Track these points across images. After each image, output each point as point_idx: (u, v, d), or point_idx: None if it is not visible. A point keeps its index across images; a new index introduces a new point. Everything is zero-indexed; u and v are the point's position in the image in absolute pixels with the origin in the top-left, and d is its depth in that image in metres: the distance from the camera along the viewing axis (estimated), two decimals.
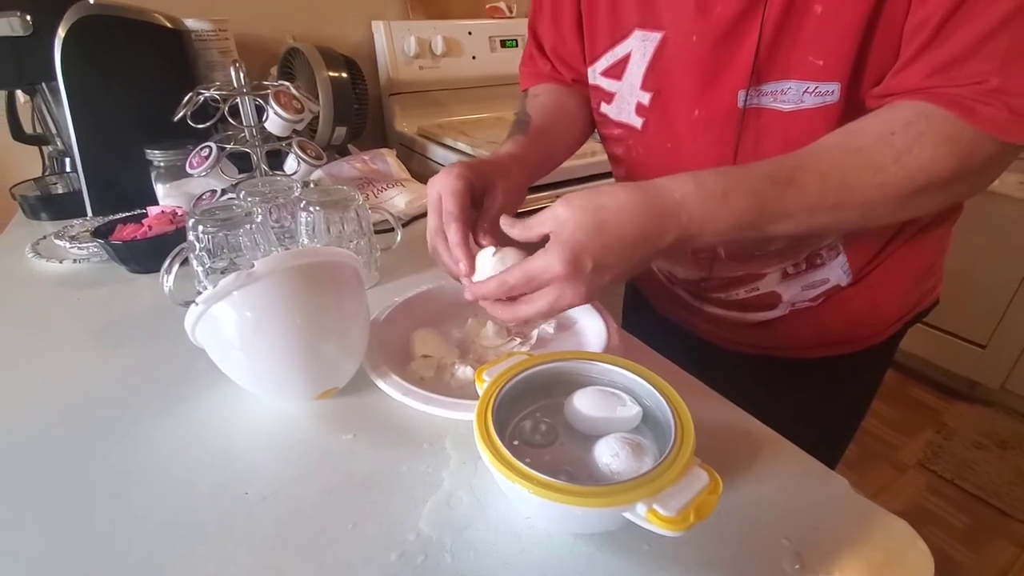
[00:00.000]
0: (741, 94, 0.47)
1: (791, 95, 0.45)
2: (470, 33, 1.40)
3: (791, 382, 0.67)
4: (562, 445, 0.35)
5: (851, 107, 0.44)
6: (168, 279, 0.52)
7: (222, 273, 0.54)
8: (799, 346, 0.64)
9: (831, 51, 0.42)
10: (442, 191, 0.46)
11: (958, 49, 0.37)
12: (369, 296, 0.48)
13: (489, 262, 0.43)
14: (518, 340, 0.52)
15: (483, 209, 0.50)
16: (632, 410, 0.35)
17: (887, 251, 0.57)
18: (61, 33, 0.76)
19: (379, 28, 1.33)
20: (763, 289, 0.59)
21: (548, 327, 0.53)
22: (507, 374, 0.37)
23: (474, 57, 1.41)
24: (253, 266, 0.39)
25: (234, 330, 0.40)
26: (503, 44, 1.45)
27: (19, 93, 0.99)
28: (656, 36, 0.51)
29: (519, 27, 1.47)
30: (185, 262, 0.54)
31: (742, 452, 0.40)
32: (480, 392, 0.36)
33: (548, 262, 0.38)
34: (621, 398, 0.35)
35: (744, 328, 0.64)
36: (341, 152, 1.15)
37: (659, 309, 0.75)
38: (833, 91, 0.43)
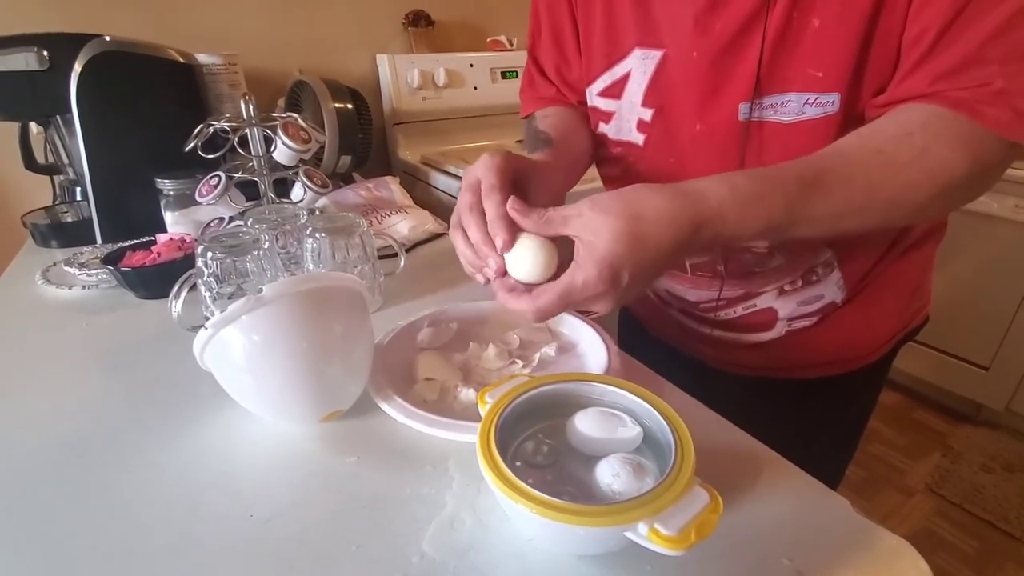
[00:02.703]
0: (743, 107, 0.48)
1: (792, 107, 0.46)
2: (472, 65, 1.45)
3: (790, 402, 0.67)
4: (564, 466, 0.36)
5: (850, 117, 0.45)
6: (176, 304, 0.53)
7: (229, 298, 0.56)
8: (797, 367, 0.64)
9: (830, 63, 0.44)
10: (483, 170, 0.43)
11: (959, 57, 0.39)
12: (373, 320, 0.49)
13: (526, 252, 0.40)
14: (520, 363, 0.52)
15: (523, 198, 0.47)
16: (633, 431, 0.35)
17: (879, 268, 0.58)
18: (77, 68, 0.78)
19: (383, 61, 1.37)
20: (760, 306, 0.60)
21: (550, 350, 0.54)
22: (509, 396, 0.37)
23: (476, 88, 1.46)
24: (261, 291, 0.40)
25: (242, 353, 0.41)
26: (504, 75, 1.50)
27: (32, 124, 1.02)
28: (657, 54, 0.52)
29: (519, 59, 1.52)
30: (193, 288, 0.55)
31: (743, 472, 0.40)
32: (483, 414, 0.36)
33: (587, 280, 0.36)
34: (622, 419, 0.36)
35: (742, 349, 0.65)
36: (346, 180, 1.18)
37: (655, 331, 0.75)
38: (833, 101, 0.45)
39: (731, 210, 0.37)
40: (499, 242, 0.41)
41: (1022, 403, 1.62)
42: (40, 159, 1.04)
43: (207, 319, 0.55)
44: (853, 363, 0.64)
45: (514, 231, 0.41)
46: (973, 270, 1.57)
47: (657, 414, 0.35)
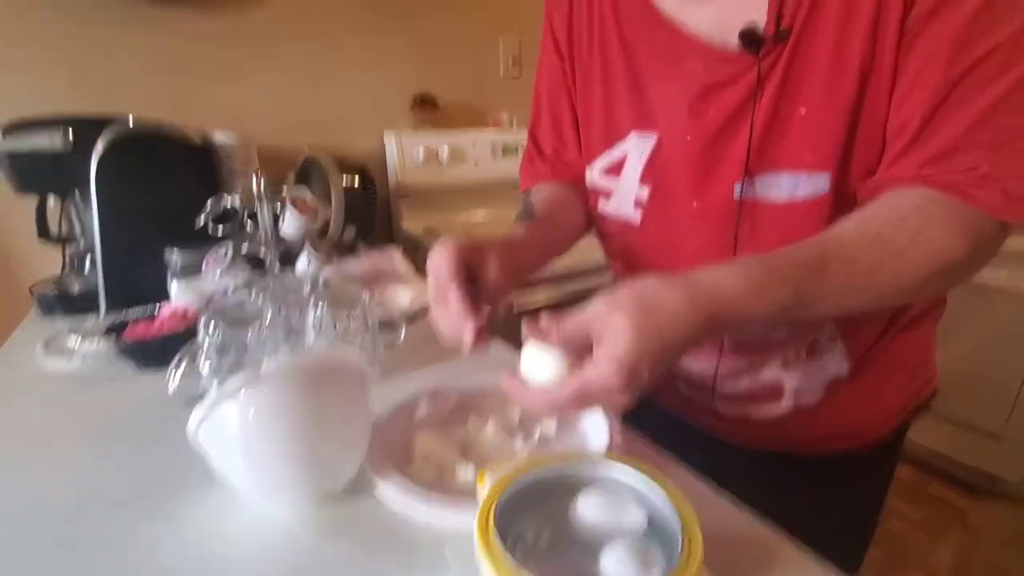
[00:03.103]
0: (736, 186, 0.50)
1: (784, 186, 0.48)
2: (473, 142, 1.52)
3: (802, 477, 0.65)
4: (567, 553, 0.34)
5: (841, 196, 0.47)
6: (175, 377, 0.53)
7: (229, 372, 0.55)
8: (806, 442, 0.63)
9: (818, 146, 0.46)
10: (435, 264, 0.46)
11: (945, 144, 0.40)
12: (372, 392, 0.49)
13: (541, 361, 0.39)
14: (520, 439, 0.51)
15: (479, 284, 0.48)
16: (638, 516, 0.34)
17: (883, 341, 0.58)
18: (99, 148, 0.83)
19: (390, 138, 1.45)
20: (764, 379, 0.60)
21: (551, 425, 0.53)
22: (509, 477, 0.36)
23: (476, 163, 1.52)
24: (260, 366, 0.40)
25: (237, 431, 0.40)
26: (503, 151, 1.57)
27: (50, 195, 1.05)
28: (652, 137, 0.55)
29: (518, 136, 1.60)
30: (193, 360, 0.55)
31: (754, 560, 0.39)
32: (481, 497, 0.35)
33: (605, 379, 0.35)
34: (627, 502, 0.35)
35: (749, 424, 0.64)
36: (351, 250, 1.20)
37: (662, 404, 0.74)
38: (824, 182, 0.47)
39: (744, 299, 0.37)
40: (466, 337, 0.43)
41: None
42: (54, 228, 1.07)
43: (204, 392, 0.55)
44: (863, 438, 0.63)
45: (479, 319, 0.44)
46: (976, 340, 1.57)
47: (664, 496, 0.34)
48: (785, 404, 0.61)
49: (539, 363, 0.38)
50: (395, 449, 0.49)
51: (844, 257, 0.40)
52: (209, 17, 1.27)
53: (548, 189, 0.67)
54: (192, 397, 0.55)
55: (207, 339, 0.54)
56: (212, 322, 0.54)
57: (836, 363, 0.58)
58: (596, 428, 0.51)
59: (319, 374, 0.42)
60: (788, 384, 0.59)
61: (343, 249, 1.16)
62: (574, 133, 0.65)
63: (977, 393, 1.60)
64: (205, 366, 0.55)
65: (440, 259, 0.45)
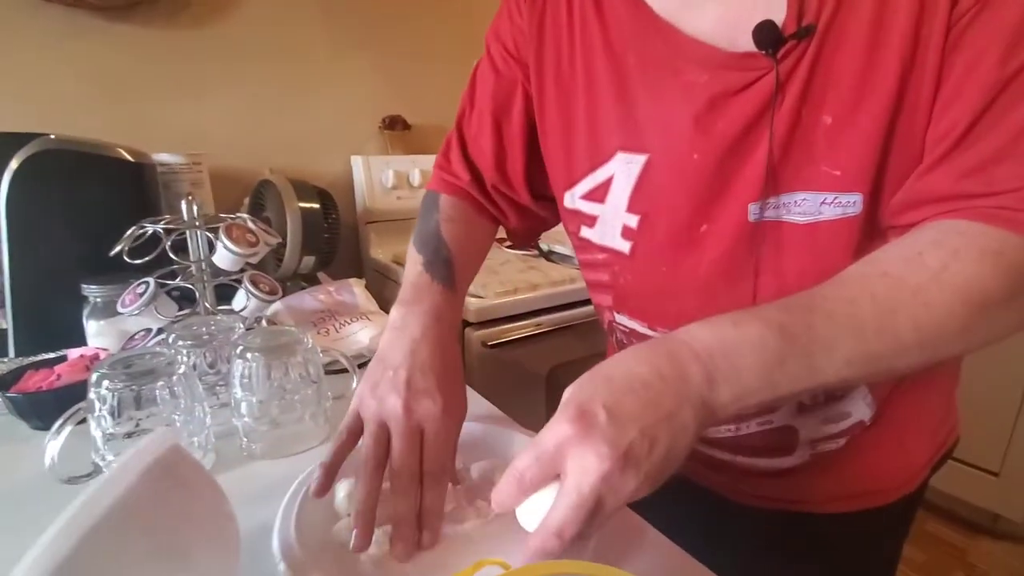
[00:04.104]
0: (752, 208, 0.43)
1: (807, 206, 0.42)
2: None
3: (816, 542, 0.57)
4: None
5: (875, 219, 0.41)
6: (54, 446, 0.42)
7: (127, 438, 0.45)
8: (823, 499, 0.55)
9: (847, 161, 0.39)
10: (432, 432, 0.42)
11: (989, 151, 0.34)
12: (311, 457, 0.43)
13: (535, 508, 0.32)
14: (471, 512, 0.42)
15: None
16: None
17: (908, 382, 0.51)
18: (12, 166, 0.72)
19: (357, 162, 1.37)
20: (777, 422, 0.52)
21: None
22: None
23: None
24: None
25: None
26: None
27: None
28: (641, 159, 0.48)
29: None
30: (84, 422, 0.45)
31: None
32: None
33: (553, 426, 0.31)
34: None
35: (761, 478, 0.55)
36: (310, 280, 1.10)
37: None
38: (855, 202, 0.40)
39: (703, 332, 0.34)
40: (426, 539, 0.39)
41: None
42: None
43: (95, 466, 0.44)
44: (889, 494, 0.55)
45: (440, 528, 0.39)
46: (973, 374, 1.51)
47: None
48: (800, 454, 0.53)
49: (534, 511, 0.32)
50: (316, 522, 0.40)
51: (841, 297, 0.35)
52: (163, 32, 1.18)
53: (460, 217, 0.59)
54: (75, 476, 0.44)
55: (97, 402, 0.43)
56: (105, 381, 0.43)
57: (859, 407, 0.51)
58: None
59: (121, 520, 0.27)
60: (805, 431, 0.52)
61: (301, 280, 1.06)
62: (522, 140, 0.57)
63: (974, 428, 1.54)
64: (96, 433, 0.44)
65: (435, 439, 0.41)
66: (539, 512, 0.31)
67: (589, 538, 0.33)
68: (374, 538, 0.38)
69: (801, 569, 0.57)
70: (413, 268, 0.54)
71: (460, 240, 0.56)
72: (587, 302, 1.09)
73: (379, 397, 0.42)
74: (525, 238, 0.67)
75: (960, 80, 0.35)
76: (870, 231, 0.41)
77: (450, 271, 0.53)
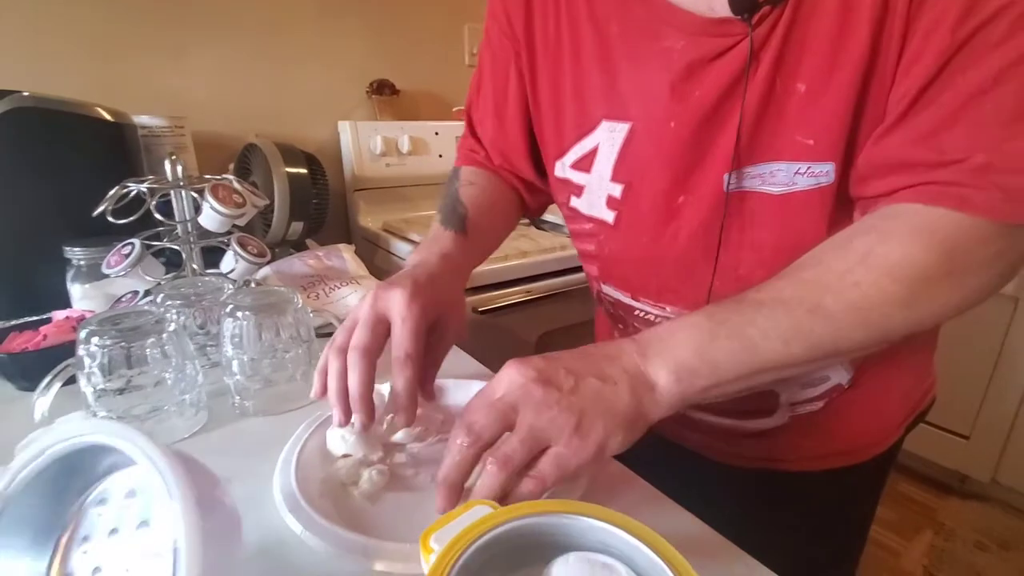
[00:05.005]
0: (726, 177, 0.44)
1: (781, 177, 0.42)
2: (437, 133, 1.42)
3: (796, 499, 0.59)
4: None
5: (848, 189, 0.41)
6: (43, 402, 0.42)
7: (118, 394, 0.45)
8: (803, 457, 0.57)
9: (820, 130, 0.39)
10: (398, 318, 0.42)
11: (940, 115, 0.34)
12: (303, 414, 0.43)
13: None
14: (435, 436, 0.46)
15: (429, 350, 0.45)
16: None
17: (885, 348, 0.52)
18: None
19: (345, 128, 1.34)
20: (756, 387, 0.54)
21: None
22: (463, 540, 0.27)
23: (441, 155, 1.43)
24: None
25: None
26: None
27: None
28: (624, 127, 0.48)
29: None
30: (73, 380, 0.44)
31: None
32: (427, 569, 0.26)
33: (496, 377, 0.36)
34: (614, 571, 0.26)
35: (740, 439, 0.57)
36: (298, 247, 1.09)
37: None
38: (827, 172, 0.40)
39: (650, 332, 0.38)
40: (400, 419, 0.41)
41: (1007, 474, 1.57)
42: None
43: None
44: (864, 452, 0.57)
45: (415, 410, 0.41)
46: (946, 338, 1.56)
47: (659, 560, 0.26)
48: (779, 416, 0.54)
49: None
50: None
51: (771, 287, 0.37)
52: None
53: (479, 180, 0.61)
54: None
55: (87, 358, 0.43)
56: (94, 338, 0.43)
57: (837, 371, 0.52)
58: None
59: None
60: (785, 394, 0.53)
61: (289, 247, 1.05)
62: (520, 120, 0.58)
63: (946, 392, 1.59)
64: (87, 389, 0.44)
65: (403, 327, 0.41)
66: None
67: (578, 479, 0.37)
68: (366, 475, 0.40)
69: (777, 526, 0.59)
70: (431, 229, 0.56)
71: (476, 197, 0.58)
72: (576, 270, 1.10)
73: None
74: (537, 212, 0.69)
75: (919, 45, 0.34)
76: (843, 201, 0.41)
77: (462, 221, 0.55)
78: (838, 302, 0.35)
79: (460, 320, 0.50)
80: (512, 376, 0.35)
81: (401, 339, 0.41)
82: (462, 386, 0.51)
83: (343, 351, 0.41)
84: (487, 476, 0.33)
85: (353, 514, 0.38)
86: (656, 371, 0.35)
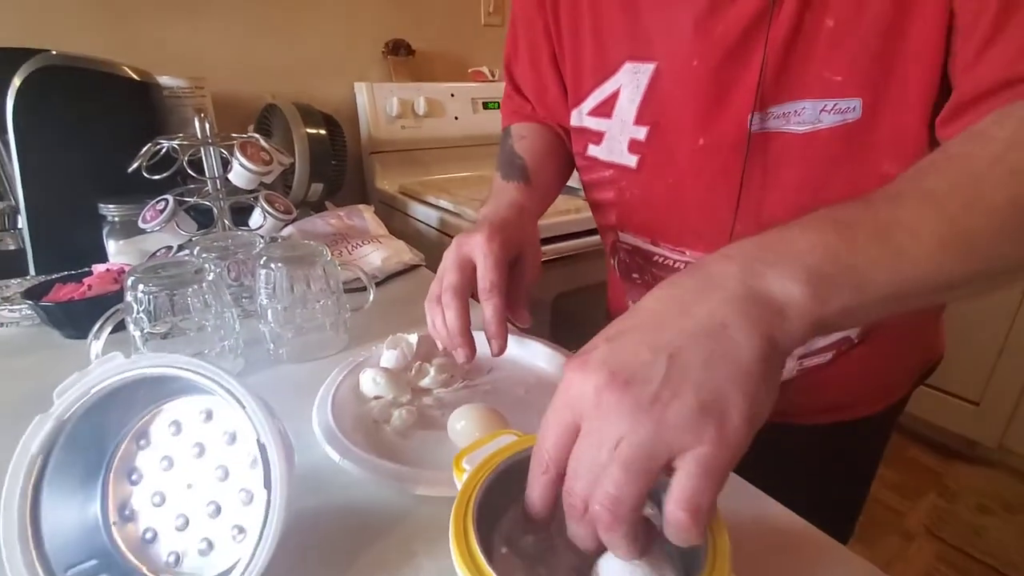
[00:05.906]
0: (750, 117, 0.43)
1: (807, 115, 0.41)
2: (453, 95, 1.41)
3: (803, 451, 0.61)
4: (561, 553, 0.28)
5: (874, 125, 0.40)
6: (97, 345, 0.45)
7: (163, 338, 0.48)
8: (810, 411, 0.58)
9: (849, 66, 0.39)
10: (481, 259, 0.43)
11: None
12: (335, 361, 0.45)
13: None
14: (460, 382, 0.49)
15: (513, 284, 0.46)
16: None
17: None
18: (16, 83, 0.71)
19: (361, 89, 1.33)
20: None
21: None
22: (492, 461, 0.30)
23: (456, 118, 1.42)
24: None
25: None
26: (485, 106, 1.47)
27: None
28: (649, 67, 0.48)
29: (501, 90, 1.49)
30: (122, 326, 0.47)
31: (774, 550, 0.34)
32: (459, 485, 0.29)
33: (557, 391, 0.25)
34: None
35: None
36: (317, 209, 1.11)
37: None
38: (854, 107, 0.39)
39: (750, 243, 0.27)
40: (494, 346, 0.43)
41: (1015, 440, 1.59)
42: None
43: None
44: (872, 406, 0.58)
45: (506, 335, 0.43)
46: (954, 308, 1.56)
47: None
48: (789, 369, 0.55)
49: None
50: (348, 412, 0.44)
51: (903, 179, 0.29)
52: None
53: (530, 133, 0.61)
54: None
55: (135, 304, 0.46)
56: (140, 285, 0.46)
57: None
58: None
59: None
60: None
61: (309, 208, 1.07)
62: (554, 70, 0.58)
63: (957, 358, 1.60)
64: (135, 333, 0.47)
65: (485, 261, 0.43)
66: None
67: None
68: (396, 414, 0.43)
69: (783, 476, 0.62)
70: (493, 185, 0.58)
71: (531, 148, 0.59)
72: (591, 232, 1.10)
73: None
74: None
75: None
76: (868, 139, 0.40)
77: (523, 171, 0.56)
78: (997, 191, 0.26)
79: (536, 259, 0.51)
80: (575, 389, 0.24)
81: (484, 272, 0.43)
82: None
83: (439, 299, 0.43)
84: (607, 539, 0.24)
85: (386, 446, 0.41)
86: (783, 286, 0.25)
